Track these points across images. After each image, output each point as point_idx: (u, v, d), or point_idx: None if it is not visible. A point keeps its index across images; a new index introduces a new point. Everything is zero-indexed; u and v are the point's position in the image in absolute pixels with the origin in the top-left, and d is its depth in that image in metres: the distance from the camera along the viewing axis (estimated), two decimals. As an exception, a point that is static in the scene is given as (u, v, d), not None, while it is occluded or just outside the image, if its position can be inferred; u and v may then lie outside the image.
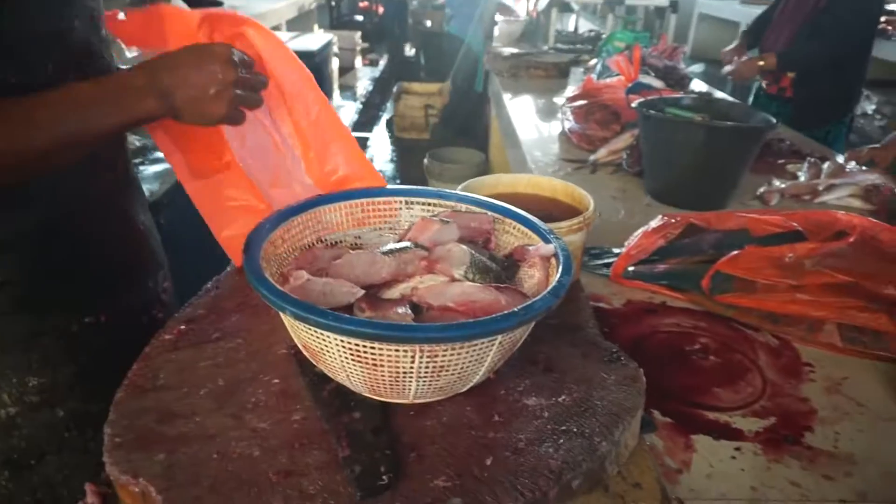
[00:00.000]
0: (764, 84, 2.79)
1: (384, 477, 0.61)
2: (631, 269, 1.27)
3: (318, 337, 0.64)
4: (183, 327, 0.85)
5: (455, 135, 5.07)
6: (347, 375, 0.67)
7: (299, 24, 5.78)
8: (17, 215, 0.80)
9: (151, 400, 0.72)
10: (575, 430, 0.69)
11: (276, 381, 0.76)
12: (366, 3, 9.32)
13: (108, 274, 0.92)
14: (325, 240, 0.86)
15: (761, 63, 2.61)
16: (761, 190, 1.77)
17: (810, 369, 1.02)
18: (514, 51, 3.50)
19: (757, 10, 4.81)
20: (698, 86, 3.03)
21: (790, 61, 2.60)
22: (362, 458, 0.63)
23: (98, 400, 0.75)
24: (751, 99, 2.92)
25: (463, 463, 0.64)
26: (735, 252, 1.14)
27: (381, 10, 9.13)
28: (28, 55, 0.74)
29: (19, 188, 0.77)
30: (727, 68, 2.79)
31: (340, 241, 0.87)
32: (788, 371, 1.01)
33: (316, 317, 0.59)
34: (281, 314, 0.66)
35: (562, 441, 0.67)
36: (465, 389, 0.71)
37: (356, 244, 0.88)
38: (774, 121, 1.58)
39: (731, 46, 2.93)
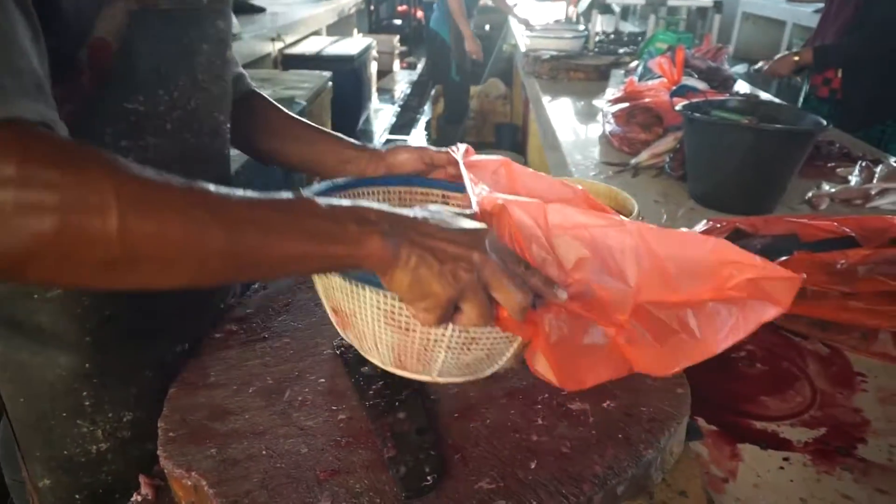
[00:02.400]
0: (818, 81, 2.70)
1: (429, 478, 0.61)
2: (674, 273, 1.25)
3: (352, 297, 0.64)
4: (233, 327, 0.87)
5: (447, 125, 5.18)
6: (376, 342, 0.67)
7: (339, 28, 5.88)
8: None
9: (203, 397, 0.75)
10: (620, 436, 0.68)
11: (323, 380, 0.77)
12: (404, 8, 9.41)
13: (199, 299, 0.89)
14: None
15: (796, 58, 2.53)
16: (810, 194, 1.72)
17: (863, 379, 0.99)
18: (554, 53, 3.47)
19: (804, 9, 4.68)
20: (742, 87, 2.96)
21: (827, 56, 2.52)
22: (407, 459, 0.64)
23: None
24: (800, 102, 2.84)
25: (507, 466, 0.64)
26: (784, 258, 1.11)
27: (418, 13, 9.20)
28: (157, 80, 0.72)
29: None
30: (761, 64, 2.73)
31: None
32: (839, 380, 0.98)
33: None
34: (316, 279, 0.68)
35: (607, 447, 0.67)
36: (490, 373, 0.70)
37: None
38: (825, 122, 1.54)
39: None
